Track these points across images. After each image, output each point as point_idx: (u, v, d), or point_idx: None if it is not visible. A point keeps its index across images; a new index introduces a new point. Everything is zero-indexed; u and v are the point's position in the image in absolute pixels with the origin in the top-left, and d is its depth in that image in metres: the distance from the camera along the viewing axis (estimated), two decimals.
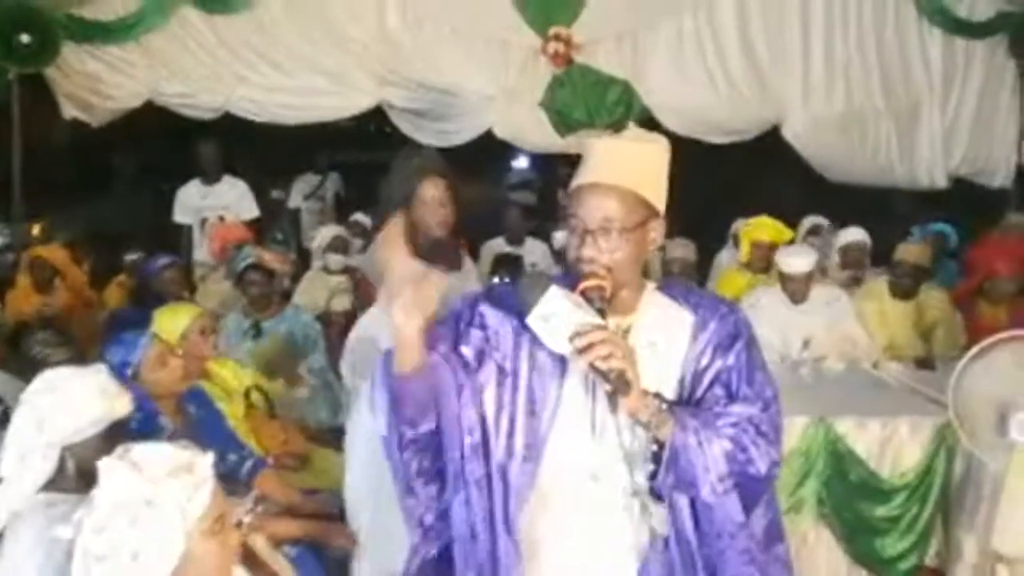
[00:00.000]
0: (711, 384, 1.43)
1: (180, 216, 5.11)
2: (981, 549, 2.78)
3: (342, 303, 4.45)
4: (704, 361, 1.44)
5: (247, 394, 3.33)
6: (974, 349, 2.66)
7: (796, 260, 3.77)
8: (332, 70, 4.83)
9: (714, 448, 1.35)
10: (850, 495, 3.07)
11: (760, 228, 4.63)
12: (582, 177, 1.41)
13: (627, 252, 1.38)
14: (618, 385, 1.28)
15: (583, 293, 1.34)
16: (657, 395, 1.35)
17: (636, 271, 1.45)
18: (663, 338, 1.44)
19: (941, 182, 5.71)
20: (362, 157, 7.42)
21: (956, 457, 3.08)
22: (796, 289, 3.74)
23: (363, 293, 4.58)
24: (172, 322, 3.01)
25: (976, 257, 4.27)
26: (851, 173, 5.67)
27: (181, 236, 5.11)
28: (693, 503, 1.41)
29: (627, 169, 1.39)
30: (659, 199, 1.42)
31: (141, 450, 1.49)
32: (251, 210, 5.06)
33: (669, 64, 5.19)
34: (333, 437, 3.44)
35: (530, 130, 5.23)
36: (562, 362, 1.42)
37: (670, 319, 1.45)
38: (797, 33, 5.32)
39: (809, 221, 5.29)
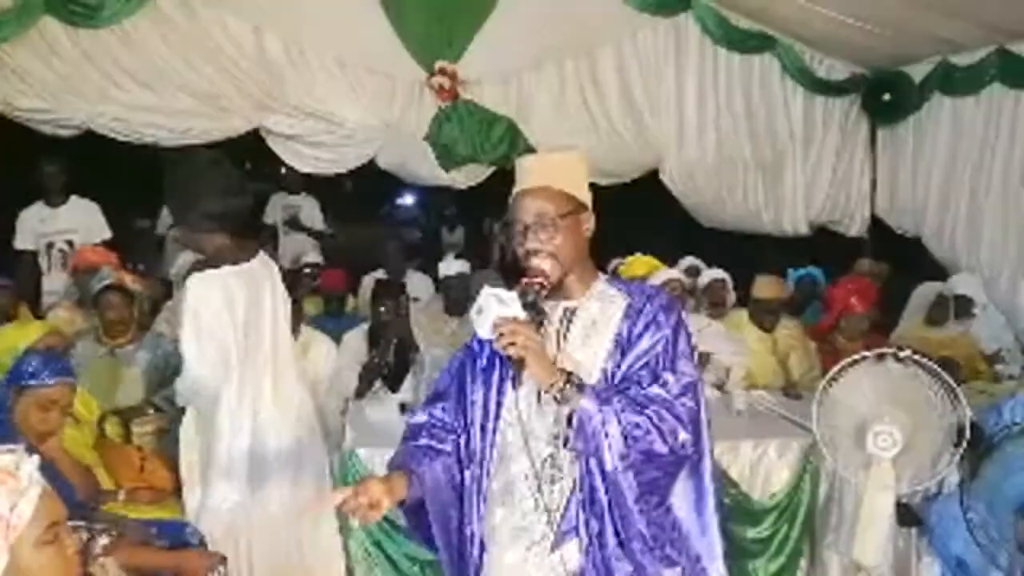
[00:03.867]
0: (636, 362, 1.63)
1: (21, 242, 4.71)
2: (844, 563, 2.87)
3: None
4: (635, 336, 1.65)
5: (100, 422, 3.09)
6: (832, 371, 2.79)
7: (659, 275, 3.92)
8: (206, 91, 4.59)
9: (615, 425, 1.53)
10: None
11: (636, 265, 4.77)
12: (515, 189, 1.70)
13: (564, 238, 1.65)
14: (516, 365, 1.55)
15: (522, 289, 1.61)
16: (568, 373, 1.57)
17: (580, 259, 1.71)
18: (601, 318, 1.69)
19: (803, 229, 6.07)
20: None
21: (821, 478, 3.20)
22: None
23: None
24: (17, 338, 2.77)
25: (834, 296, 4.52)
26: (722, 218, 5.94)
27: (20, 264, 4.70)
28: (603, 473, 1.57)
29: (548, 173, 1.68)
30: (582, 194, 1.69)
31: None
32: (102, 232, 4.73)
33: (552, 105, 5.29)
34: None
35: (414, 163, 5.19)
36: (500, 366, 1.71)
37: (608, 302, 1.71)
38: (672, 82, 5.56)
39: (686, 262, 5.51)
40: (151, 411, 3.44)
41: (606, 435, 1.53)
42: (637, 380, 1.61)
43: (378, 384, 3.71)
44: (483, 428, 1.73)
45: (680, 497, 1.65)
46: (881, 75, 5.78)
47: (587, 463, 1.59)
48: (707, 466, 1.67)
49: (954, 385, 2.65)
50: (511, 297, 1.57)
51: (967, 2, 4.51)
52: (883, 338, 4.42)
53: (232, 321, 2.59)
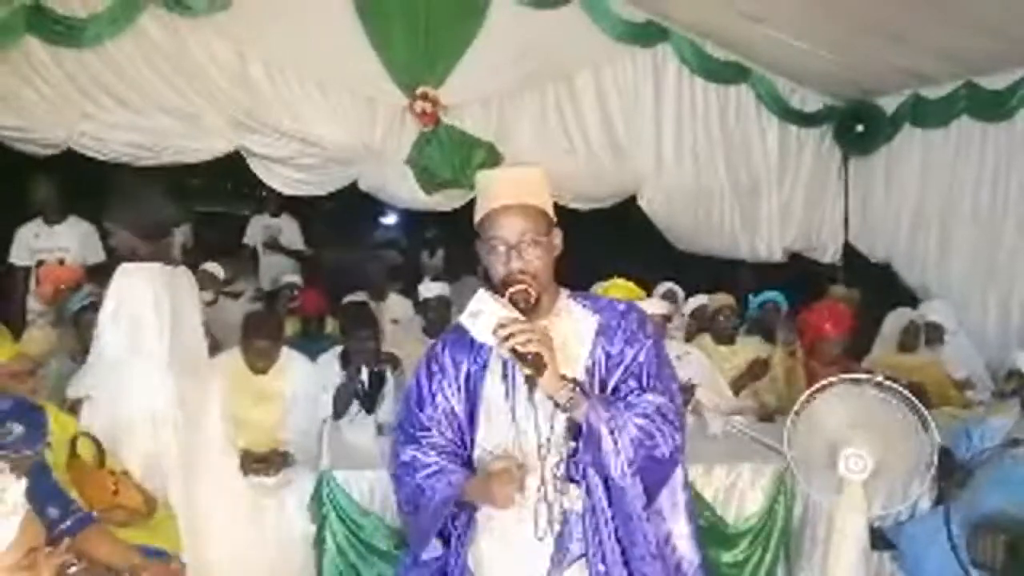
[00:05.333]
0: (625, 376, 1.65)
1: (16, 257, 4.73)
2: None
3: None
4: (615, 352, 1.65)
5: (73, 442, 3.04)
6: (804, 395, 2.83)
7: (647, 304, 3.96)
8: (187, 111, 4.60)
9: (624, 433, 1.53)
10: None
11: (614, 290, 4.80)
12: (490, 204, 1.63)
13: (543, 258, 1.63)
14: (535, 366, 1.48)
15: (510, 298, 1.56)
16: (574, 380, 1.55)
17: (551, 277, 1.69)
18: (573, 337, 1.67)
19: (778, 256, 6.17)
20: (215, 208, 7.17)
21: (795, 501, 3.23)
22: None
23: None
24: None
25: (807, 321, 4.59)
26: (699, 244, 6.02)
27: (15, 278, 4.71)
28: (607, 483, 1.57)
29: (526, 190, 1.65)
30: (551, 210, 1.69)
31: None
32: (96, 254, 4.70)
33: (532, 130, 5.35)
34: None
35: (395, 185, 5.21)
36: (482, 367, 1.69)
37: (578, 321, 1.70)
38: (650, 110, 5.65)
39: (663, 287, 5.56)
40: None
41: (616, 442, 1.52)
42: (629, 390, 1.63)
43: (355, 406, 3.70)
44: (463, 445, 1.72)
45: (663, 503, 1.66)
46: (853, 106, 5.92)
47: (588, 479, 1.58)
48: (680, 474, 1.69)
49: (924, 410, 2.70)
50: (505, 302, 1.54)
51: (936, 37, 4.65)
52: (856, 363, 4.48)
53: (152, 312, 2.77)
